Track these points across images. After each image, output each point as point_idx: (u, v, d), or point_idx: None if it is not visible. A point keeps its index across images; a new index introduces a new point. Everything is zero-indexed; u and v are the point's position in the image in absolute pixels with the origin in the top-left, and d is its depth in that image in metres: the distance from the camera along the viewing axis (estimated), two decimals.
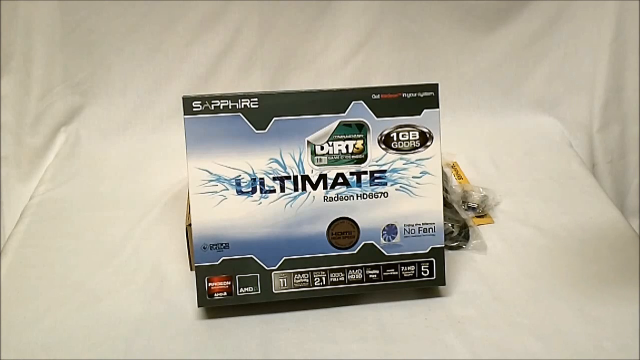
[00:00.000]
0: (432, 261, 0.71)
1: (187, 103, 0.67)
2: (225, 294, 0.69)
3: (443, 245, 0.71)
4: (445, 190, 0.87)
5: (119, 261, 0.79)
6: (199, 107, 0.67)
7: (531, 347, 0.66)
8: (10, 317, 0.70)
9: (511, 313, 0.71)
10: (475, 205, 0.88)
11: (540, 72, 1.11)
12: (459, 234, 0.81)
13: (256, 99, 0.68)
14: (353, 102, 0.69)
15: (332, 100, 0.69)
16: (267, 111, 0.68)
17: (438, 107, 0.70)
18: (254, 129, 0.68)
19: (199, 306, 0.69)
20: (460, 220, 0.83)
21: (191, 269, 0.77)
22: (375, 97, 0.69)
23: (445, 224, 0.80)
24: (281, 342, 0.67)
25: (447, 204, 0.85)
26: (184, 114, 0.67)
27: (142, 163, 1.00)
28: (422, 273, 0.71)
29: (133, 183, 0.95)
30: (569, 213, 0.87)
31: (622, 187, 1.12)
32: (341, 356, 0.66)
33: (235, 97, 0.68)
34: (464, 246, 0.81)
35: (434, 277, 0.71)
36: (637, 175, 1.11)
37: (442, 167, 0.93)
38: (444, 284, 0.72)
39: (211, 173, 0.68)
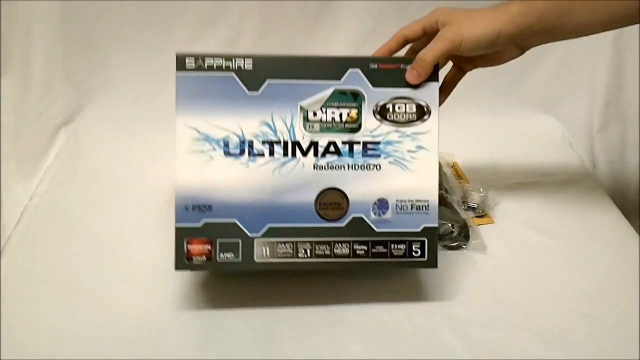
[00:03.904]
0: (424, 241, 0.68)
1: (180, 60, 0.66)
2: (204, 258, 0.66)
3: (437, 226, 0.68)
4: (445, 190, 0.87)
5: (119, 261, 0.79)
6: (192, 65, 0.66)
7: (531, 347, 0.66)
8: (10, 317, 0.70)
9: (511, 313, 0.71)
10: (475, 205, 0.87)
11: (540, 72, 1.11)
12: (459, 234, 0.81)
13: (251, 60, 0.66)
14: (350, 70, 0.67)
15: (328, 67, 0.67)
16: (261, 73, 0.66)
17: (437, 80, 0.69)
18: (246, 90, 0.66)
19: (176, 269, 0.66)
20: (460, 220, 0.83)
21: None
22: (372, 66, 0.68)
23: (445, 224, 0.80)
24: (281, 341, 0.67)
25: (447, 204, 0.85)
26: (177, 70, 0.66)
27: (142, 163, 1.00)
28: (413, 253, 0.68)
29: (133, 183, 0.95)
30: (569, 213, 0.88)
31: (622, 187, 1.12)
32: (341, 356, 0.66)
33: (229, 57, 0.66)
34: (464, 246, 0.81)
35: (426, 258, 0.68)
36: (637, 175, 1.11)
37: (442, 167, 0.93)
38: (435, 266, 0.69)
39: (199, 132, 0.66)
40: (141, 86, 1.07)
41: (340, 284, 0.74)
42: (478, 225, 0.85)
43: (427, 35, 0.71)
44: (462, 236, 0.81)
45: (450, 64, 0.75)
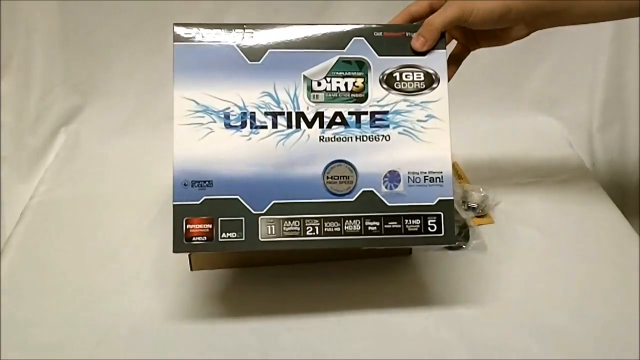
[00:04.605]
0: (439, 215, 0.64)
1: (179, 30, 0.64)
2: (205, 238, 0.62)
3: (452, 198, 0.64)
4: None
5: (119, 261, 0.79)
6: (190, 35, 0.64)
7: (531, 347, 0.66)
8: (10, 317, 0.70)
9: (511, 313, 0.71)
10: (475, 205, 0.87)
11: (540, 72, 1.11)
12: (459, 234, 0.81)
13: (251, 30, 0.64)
14: (354, 39, 0.65)
15: (332, 36, 0.65)
16: (262, 43, 0.64)
17: (445, 48, 0.66)
18: (247, 60, 0.64)
19: (174, 251, 0.62)
20: (460, 220, 0.83)
21: (191, 269, 0.77)
22: (377, 34, 0.65)
23: None
24: (281, 342, 0.67)
25: None
26: (174, 41, 0.63)
27: (142, 163, 1.00)
28: (429, 228, 0.64)
29: (133, 183, 0.95)
30: (569, 213, 0.87)
31: (622, 187, 1.12)
32: (341, 356, 0.66)
33: (229, 27, 0.64)
34: (464, 246, 0.81)
35: (442, 233, 0.64)
36: (637, 175, 1.11)
37: None
38: (453, 242, 0.65)
39: (198, 103, 0.63)
40: (141, 86, 1.07)
41: (342, 284, 0.75)
42: (478, 225, 0.85)
43: (434, 12, 0.68)
44: (462, 236, 0.81)
45: (453, 43, 0.74)
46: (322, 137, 0.64)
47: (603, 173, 1.11)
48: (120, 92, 1.07)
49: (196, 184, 0.62)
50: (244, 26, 0.64)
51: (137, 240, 0.82)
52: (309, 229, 0.63)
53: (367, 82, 0.65)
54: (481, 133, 1.07)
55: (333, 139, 0.64)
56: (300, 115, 0.64)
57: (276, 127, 0.64)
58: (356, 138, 0.64)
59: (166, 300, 0.73)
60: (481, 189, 0.89)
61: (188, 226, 0.62)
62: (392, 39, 0.66)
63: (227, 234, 0.62)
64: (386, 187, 0.64)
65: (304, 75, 0.64)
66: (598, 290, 0.74)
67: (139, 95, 1.08)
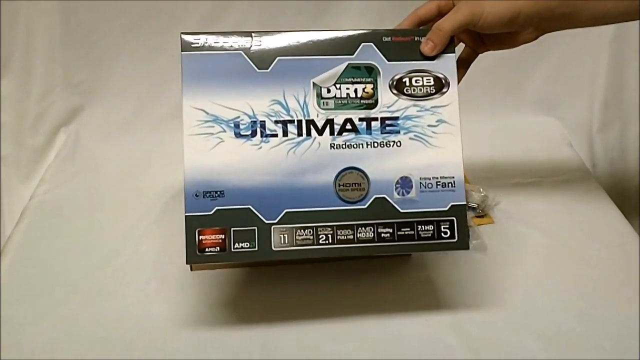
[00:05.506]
0: (452, 220, 0.64)
1: (186, 39, 0.64)
2: (218, 249, 0.61)
3: (464, 203, 0.65)
4: None
5: (119, 261, 0.79)
6: (198, 44, 0.64)
7: (531, 347, 0.66)
8: (11, 317, 0.70)
9: (511, 313, 0.71)
10: (475, 205, 0.87)
11: (540, 72, 1.11)
12: None
13: (259, 37, 0.64)
14: (362, 44, 0.65)
15: (340, 42, 0.64)
16: (270, 50, 0.64)
17: (454, 52, 0.66)
18: (255, 68, 0.63)
19: (187, 263, 0.61)
20: None
21: (191, 269, 0.77)
22: (386, 39, 0.65)
23: None
24: (281, 341, 0.67)
25: None
26: (182, 51, 0.63)
27: (142, 163, 1.00)
28: (442, 234, 0.64)
29: (133, 183, 0.95)
30: (569, 213, 0.88)
31: (622, 187, 1.12)
32: (341, 356, 0.66)
33: (237, 35, 0.64)
34: None
35: (456, 238, 0.64)
36: (637, 175, 1.11)
37: None
38: (467, 247, 0.64)
39: (207, 113, 0.63)
40: (141, 86, 1.07)
41: (342, 285, 0.75)
42: (478, 225, 0.85)
43: (442, 16, 0.68)
44: None
45: (460, 46, 0.73)
46: (332, 145, 0.64)
47: (603, 173, 1.11)
48: (120, 92, 1.07)
49: (208, 195, 0.62)
50: (252, 34, 0.64)
51: (137, 240, 0.82)
52: (322, 237, 0.63)
53: (376, 88, 0.65)
54: (481, 133, 1.07)
55: (344, 146, 0.64)
56: (311, 122, 0.64)
57: (287, 136, 0.63)
58: (367, 144, 0.64)
59: (166, 301, 0.73)
60: (481, 189, 0.89)
61: (201, 237, 0.61)
62: (400, 44, 0.65)
63: (240, 244, 0.62)
64: (398, 194, 0.64)
65: (313, 82, 0.64)
66: (598, 290, 0.74)
67: (138, 96, 1.08)
